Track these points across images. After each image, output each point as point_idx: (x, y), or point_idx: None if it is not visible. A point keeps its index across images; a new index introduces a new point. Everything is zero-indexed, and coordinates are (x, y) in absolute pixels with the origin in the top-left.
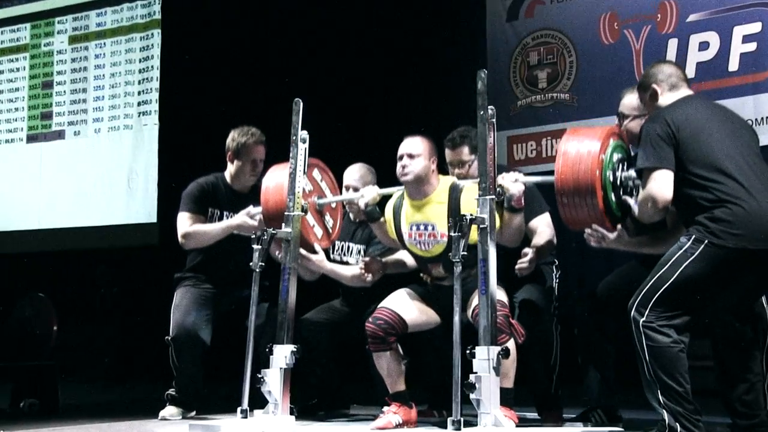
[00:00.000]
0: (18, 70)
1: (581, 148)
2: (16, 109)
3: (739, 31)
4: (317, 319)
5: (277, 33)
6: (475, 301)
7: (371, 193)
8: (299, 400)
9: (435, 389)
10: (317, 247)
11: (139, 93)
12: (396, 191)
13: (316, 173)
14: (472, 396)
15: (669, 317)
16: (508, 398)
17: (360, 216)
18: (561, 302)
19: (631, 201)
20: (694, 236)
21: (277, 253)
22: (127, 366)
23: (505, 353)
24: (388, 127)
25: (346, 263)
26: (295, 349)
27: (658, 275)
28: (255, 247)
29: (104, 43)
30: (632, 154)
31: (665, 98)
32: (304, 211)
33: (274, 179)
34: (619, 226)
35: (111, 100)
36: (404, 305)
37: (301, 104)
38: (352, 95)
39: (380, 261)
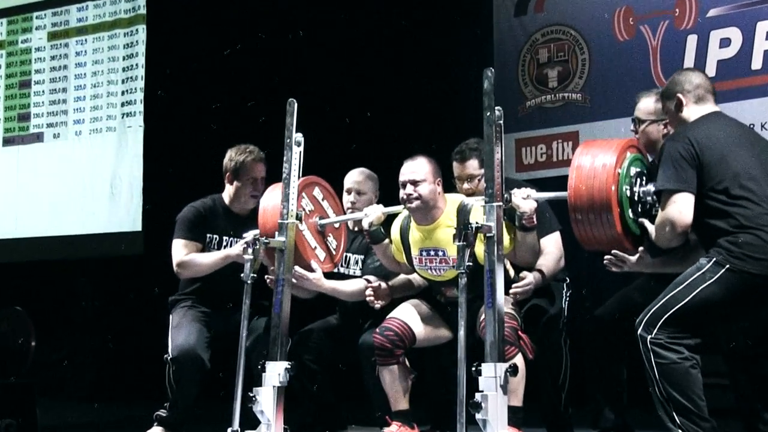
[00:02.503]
0: None
1: (596, 161)
2: None
3: (762, 27)
4: (312, 334)
5: (271, 28)
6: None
7: (375, 212)
8: (293, 420)
9: (439, 408)
10: (314, 265)
11: (122, 93)
12: (402, 210)
13: (317, 192)
14: (477, 416)
15: (678, 338)
16: (516, 418)
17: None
18: (570, 321)
19: (648, 224)
20: (714, 259)
21: (270, 268)
22: (110, 384)
23: (513, 370)
24: (389, 129)
25: (345, 275)
26: (289, 367)
27: (670, 295)
28: (246, 257)
29: (85, 40)
30: (650, 161)
31: (690, 111)
32: (299, 219)
33: (272, 200)
34: (640, 248)
35: (93, 101)
36: (414, 317)
37: (296, 105)
38: (350, 95)
39: (387, 287)
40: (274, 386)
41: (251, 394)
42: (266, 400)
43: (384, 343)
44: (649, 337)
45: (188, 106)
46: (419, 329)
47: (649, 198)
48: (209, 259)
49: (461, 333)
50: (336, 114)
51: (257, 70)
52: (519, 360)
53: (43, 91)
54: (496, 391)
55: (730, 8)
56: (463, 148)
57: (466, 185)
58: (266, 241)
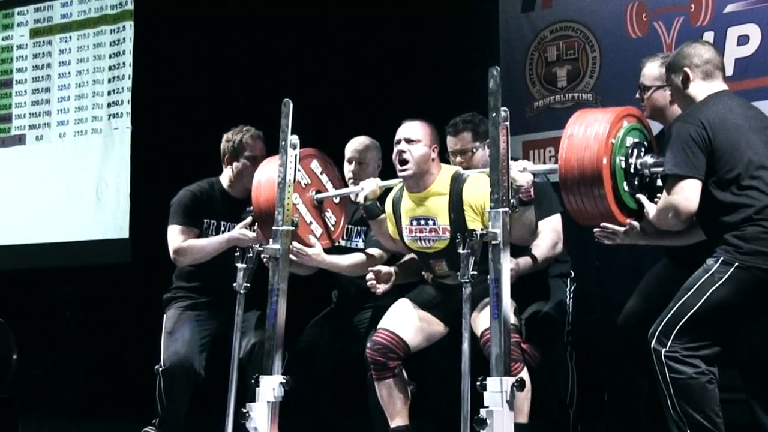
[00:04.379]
0: None
1: (588, 131)
2: None
3: None
4: (309, 341)
5: (265, 24)
6: (482, 320)
7: (371, 185)
8: None
9: (441, 422)
10: (313, 239)
11: (109, 93)
12: (397, 183)
13: (315, 165)
14: None
15: (694, 348)
16: None
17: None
18: (575, 324)
19: (645, 201)
20: (722, 258)
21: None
22: (95, 399)
23: (520, 385)
24: (392, 129)
25: (347, 249)
26: (284, 381)
27: (681, 301)
28: (239, 266)
29: (70, 37)
30: (653, 135)
31: (696, 87)
32: (295, 225)
33: (267, 173)
34: (628, 220)
35: (78, 101)
36: (404, 323)
37: (291, 105)
38: (350, 94)
39: (390, 271)
40: (268, 402)
41: (244, 410)
42: (260, 417)
43: (375, 356)
44: (663, 350)
45: (178, 108)
46: (409, 336)
47: (647, 171)
48: (209, 243)
49: (465, 346)
50: (336, 114)
51: (252, 69)
52: (525, 375)
53: (25, 91)
54: (502, 407)
55: (748, 4)
56: (456, 121)
57: (459, 158)
58: (260, 248)
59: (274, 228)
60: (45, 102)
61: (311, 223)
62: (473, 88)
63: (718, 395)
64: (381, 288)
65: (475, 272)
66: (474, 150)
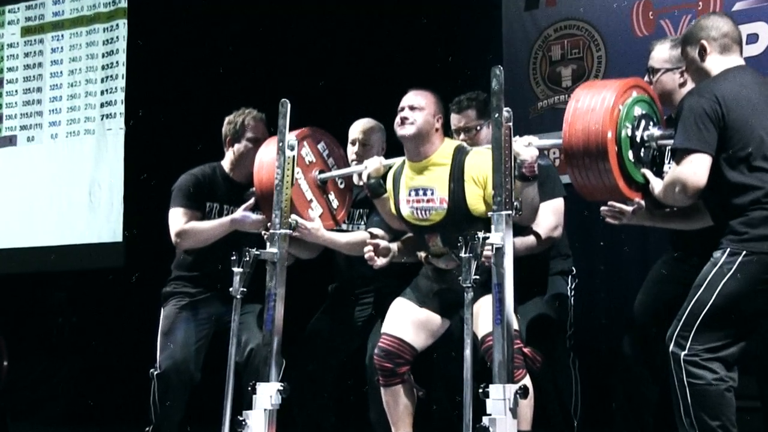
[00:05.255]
0: None
1: (594, 102)
2: None
3: None
4: (307, 343)
5: (263, 21)
6: (482, 322)
7: (374, 164)
8: None
9: (446, 430)
10: (313, 214)
11: (102, 93)
12: (400, 160)
13: (321, 146)
14: None
15: (715, 348)
16: None
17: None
18: (579, 326)
19: (650, 176)
20: (729, 249)
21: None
22: (87, 406)
23: (524, 392)
24: (391, 130)
25: (350, 233)
26: (281, 388)
27: (695, 299)
28: (236, 270)
29: (62, 35)
30: (661, 107)
31: (713, 61)
32: (292, 228)
33: (269, 154)
34: (636, 199)
35: (70, 101)
36: (405, 325)
37: (289, 105)
38: (352, 94)
39: (389, 246)
40: (265, 409)
41: (240, 418)
42: (257, 425)
43: (383, 363)
44: (682, 354)
45: (172, 108)
46: (413, 337)
47: (654, 143)
48: (212, 225)
49: (467, 352)
50: (337, 114)
51: (248, 67)
52: (528, 381)
53: (16, 91)
54: (505, 415)
55: (757, 1)
56: (461, 98)
57: (463, 136)
58: (257, 252)
59: (271, 232)
60: (36, 102)
61: (312, 200)
62: (475, 88)
63: (735, 404)
64: (379, 262)
65: (477, 276)
66: (479, 128)
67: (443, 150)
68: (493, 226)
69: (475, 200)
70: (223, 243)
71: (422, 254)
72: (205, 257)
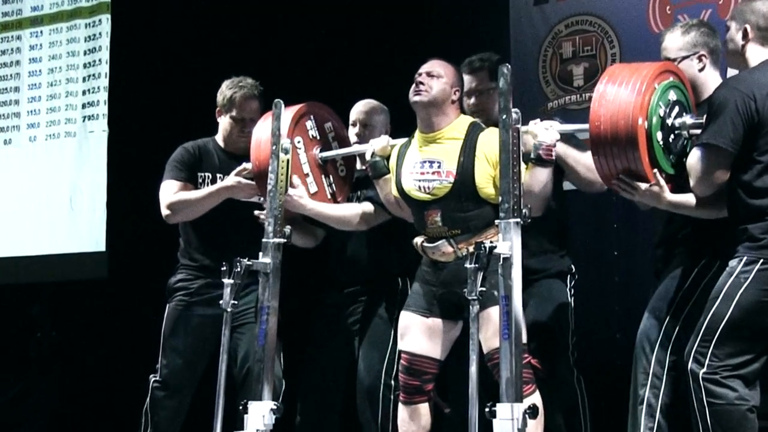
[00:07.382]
0: None
1: (623, 88)
2: None
3: None
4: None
5: (254, 17)
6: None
7: (381, 142)
8: None
9: None
10: (296, 180)
11: (84, 93)
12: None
13: (328, 126)
14: None
15: (735, 366)
16: None
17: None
18: (580, 337)
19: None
20: (745, 257)
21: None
22: (70, 424)
23: (533, 412)
24: (397, 130)
25: None
26: (275, 407)
27: (712, 312)
28: (226, 281)
29: (41, 32)
30: (692, 93)
31: (752, 51)
32: (287, 238)
33: (267, 129)
34: (655, 181)
35: (50, 102)
36: (421, 339)
37: (282, 106)
38: (353, 94)
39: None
40: (257, 430)
41: None
42: None
43: (409, 380)
44: (701, 371)
45: (158, 109)
46: (430, 348)
47: (685, 132)
48: (200, 194)
49: (473, 369)
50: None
51: (239, 64)
52: (538, 398)
53: None
54: None
55: None
56: (473, 59)
57: (474, 99)
58: (249, 263)
59: (264, 240)
60: (14, 103)
61: (308, 174)
62: None
63: (757, 425)
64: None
65: (484, 288)
66: (492, 90)
67: (457, 124)
68: (500, 235)
69: (484, 180)
70: (224, 220)
71: (418, 240)
72: (208, 242)
